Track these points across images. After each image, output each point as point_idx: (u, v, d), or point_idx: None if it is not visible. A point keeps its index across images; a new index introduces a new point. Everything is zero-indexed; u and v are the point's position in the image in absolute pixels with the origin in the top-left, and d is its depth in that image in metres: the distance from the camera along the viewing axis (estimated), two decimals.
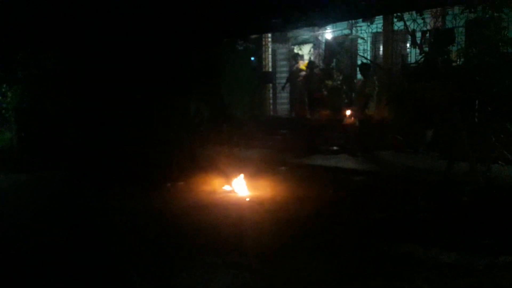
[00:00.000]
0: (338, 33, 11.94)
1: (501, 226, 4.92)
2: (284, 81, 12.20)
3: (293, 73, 11.49)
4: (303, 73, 10.87)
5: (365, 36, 11.26)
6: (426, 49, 6.79)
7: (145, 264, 4.37)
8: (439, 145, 8.14)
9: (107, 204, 6.54)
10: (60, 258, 4.57)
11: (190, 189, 7.14)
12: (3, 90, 9.20)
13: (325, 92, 10.45)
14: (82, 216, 6.01)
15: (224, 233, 5.15)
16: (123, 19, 7.65)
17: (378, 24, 10.87)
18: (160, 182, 7.29)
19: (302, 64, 11.27)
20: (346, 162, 8.71)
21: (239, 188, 6.89)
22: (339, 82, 10.57)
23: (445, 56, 6.57)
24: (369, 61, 9.81)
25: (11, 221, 5.91)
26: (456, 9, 7.88)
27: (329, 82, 10.46)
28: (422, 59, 6.75)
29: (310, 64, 10.78)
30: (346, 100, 10.48)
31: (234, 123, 9.83)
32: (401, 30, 9.17)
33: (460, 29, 8.01)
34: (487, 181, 5.87)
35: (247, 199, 6.60)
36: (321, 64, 11.44)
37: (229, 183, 7.02)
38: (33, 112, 8.95)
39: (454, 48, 7.26)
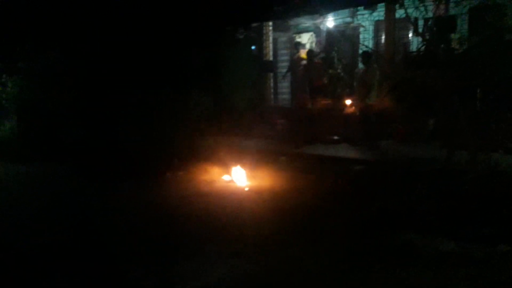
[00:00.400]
0: (340, 21, 11.84)
1: (501, 215, 4.89)
2: (285, 70, 12.13)
3: (294, 62, 11.42)
4: (304, 62, 10.79)
5: (367, 24, 11.16)
6: (428, 37, 6.72)
7: (145, 254, 4.40)
8: (440, 134, 8.09)
9: (107, 194, 6.57)
10: (60, 250, 4.59)
11: (190, 179, 7.15)
12: (3, 80, 9.17)
13: (326, 81, 10.38)
14: (82, 207, 6.03)
15: (223, 222, 5.16)
16: (124, 10, 7.60)
17: (380, 12, 10.76)
18: (160, 172, 7.30)
19: (303, 53, 11.19)
20: (346, 151, 8.67)
21: (238, 177, 6.89)
22: (339, 71, 10.50)
23: (447, 44, 6.50)
24: (370, 50, 9.71)
25: (8, 213, 5.92)
26: None
27: (330, 71, 10.38)
28: (423, 47, 6.68)
29: (310, 53, 10.69)
30: (347, 89, 10.40)
31: (234, 113, 9.80)
32: (403, 18, 9.08)
33: (463, 16, 7.92)
34: (487, 170, 5.83)
35: (246, 189, 6.60)
36: (322, 53, 11.34)
37: (228, 173, 7.02)
38: (33, 104, 8.93)
39: (456, 36, 7.18)
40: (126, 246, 4.59)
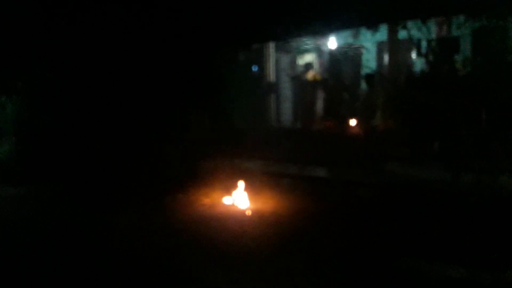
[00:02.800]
0: (342, 42, 11.87)
1: (508, 239, 4.78)
2: (287, 91, 12.13)
3: (301, 83, 11.43)
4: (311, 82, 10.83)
5: (369, 45, 11.18)
6: (431, 58, 6.70)
7: (142, 282, 4.26)
8: (445, 156, 8.01)
9: (105, 218, 6.44)
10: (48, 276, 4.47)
11: (190, 202, 7.03)
12: (2, 101, 9.16)
13: (330, 102, 10.37)
14: (77, 231, 5.90)
15: (224, 248, 5.03)
16: (121, 29, 7.62)
17: (383, 33, 10.79)
18: (159, 195, 7.19)
19: (312, 74, 11.21)
20: (350, 174, 8.56)
21: (239, 200, 6.77)
22: (343, 92, 10.48)
23: (450, 65, 6.48)
24: (372, 71, 9.73)
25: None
26: (462, 18, 7.79)
27: (333, 92, 10.38)
28: (427, 68, 6.66)
29: (320, 75, 10.76)
30: (350, 110, 10.36)
31: (236, 134, 9.74)
32: (407, 39, 9.09)
33: (466, 37, 7.91)
34: (494, 192, 5.74)
35: (248, 212, 6.48)
36: (324, 74, 11.36)
37: (229, 195, 6.90)
38: (33, 124, 8.90)
39: (460, 57, 7.16)
40: (119, 273, 4.48)
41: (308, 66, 11.73)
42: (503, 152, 5.85)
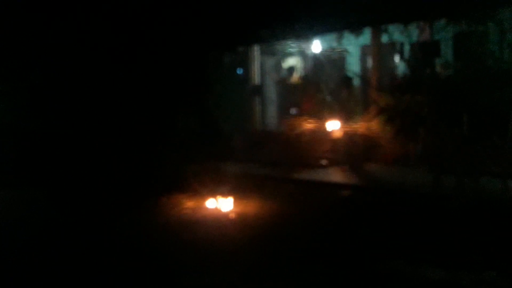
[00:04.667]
0: (326, 45, 11.93)
1: (487, 241, 4.85)
2: (272, 94, 12.15)
3: (284, 86, 11.46)
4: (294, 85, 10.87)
5: (353, 48, 11.25)
6: (413, 62, 6.77)
7: (122, 283, 4.23)
8: (427, 158, 8.09)
9: (87, 221, 6.40)
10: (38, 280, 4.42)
11: (174, 205, 7.01)
12: None
13: (313, 105, 10.40)
14: (58, 235, 5.84)
15: (207, 251, 5.02)
16: (107, 32, 7.58)
17: (366, 37, 10.86)
18: (143, 197, 7.15)
19: (295, 77, 11.26)
20: (334, 176, 8.63)
21: (223, 204, 6.76)
22: (326, 95, 10.53)
23: (431, 69, 6.55)
24: (349, 74, 9.81)
25: None
26: (443, 22, 7.89)
27: (317, 95, 10.42)
28: (409, 72, 6.73)
29: (304, 78, 10.79)
30: (333, 113, 10.40)
31: (221, 137, 9.73)
32: (390, 42, 9.18)
33: (447, 41, 8.02)
34: (474, 195, 5.81)
35: (231, 215, 6.47)
36: (308, 77, 11.42)
37: (214, 199, 6.89)
38: (16, 128, 8.79)
39: (441, 61, 7.24)
40: (102, 277, 4.44)
41: (291, 69, 11.78)
42: (483, 155, 5.93)
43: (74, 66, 8.07)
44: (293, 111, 10.64)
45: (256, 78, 12.66)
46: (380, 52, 10.07)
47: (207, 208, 6.79)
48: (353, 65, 11.03)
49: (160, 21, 7.98)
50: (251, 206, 6.83)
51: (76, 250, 5.24)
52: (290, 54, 12.69)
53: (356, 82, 9.73)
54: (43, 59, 8.32)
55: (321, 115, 9.92)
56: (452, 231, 5.22)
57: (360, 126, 9.26)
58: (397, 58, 10.07)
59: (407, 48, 7.02)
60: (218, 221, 6.24)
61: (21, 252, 5.25)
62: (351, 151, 9.13)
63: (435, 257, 4.59)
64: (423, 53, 6.61)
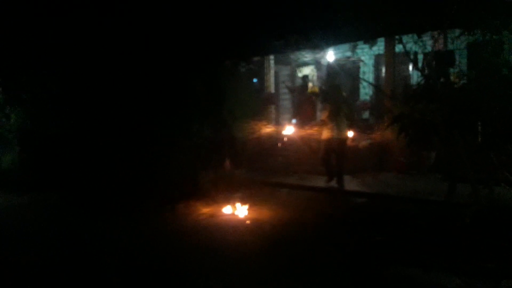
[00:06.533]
0: (340, 55, 12.01)
1: (503, 249, 4.84)
2: (286, 102, 12.25)
3: (301, 95, 11.53)
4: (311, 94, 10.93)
5: (367, 58, 11.32)
6: (427, 71, 6.79)
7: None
8: (441, 167, 8.08)
9: (105, 227, 6.51)
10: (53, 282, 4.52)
11: (190, 212, 7.11)
12: (7, 111, 9.30)
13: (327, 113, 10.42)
14: (78, 240, 5.96)
15: (223, 256, 5.10)
16: (124, 41, 7.74)
17: (380, 46, 10.93)
18: (159, 204, 7.26)
19: (311, 87, 11.33)
20: (348, 184, 8.66)
21: (239, 210, 6.85)
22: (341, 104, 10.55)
23: (445, 78, 6.57)
24: (366, 83, 9.81)
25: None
26: (457, 32, 7.92)
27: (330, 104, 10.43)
28: (423, 81, 6.74)
29: (321, 88, 10.83)
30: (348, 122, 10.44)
31: (236, 145, 9.83)
32: (403, 52, 9.20)
33: (462, 51, 8.03)
34: (489, 203, 5.80)
35: (247, 222, 6.55)
36: (323, 86, 11.49)
37: (229, 205, 6.98)
38: (35, 134, 9.01)
39: (455, 70, 7.25)
40: (118, 280, 4.53)
41: (305, 78, 11.87)
42: (498, 163, 5.91)
43: (91, 75, 8.25)
44: (307, 119, 10.69)
45: (271, 87, 12.79)
46: (394, 62, 10.13)
47: (223, 214, 6.88)
48: (367, 74, 11.08)
49: (178, 32, 8.13)
50: (266, 213, 6.90)
51: (93, 254, 5.34)
52: (305, 64, 12.80)
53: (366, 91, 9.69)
54: (56, 67, 8.52)
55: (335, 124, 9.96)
56: (467, 239, 5.21)
57: (374, 135, 9.30)
58: (411, 68, 10.11)
59: (420, 57, 7.03)
60: (235, 227, 6.32)
61: (38, 254, 5.38)
62: (366, 159, 9.15)
63: (450, 264, 4.59)
64: (437, 63, 6.63)
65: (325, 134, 8.44)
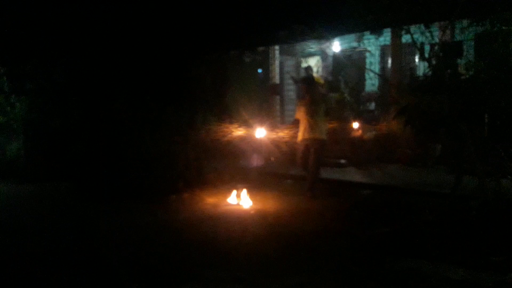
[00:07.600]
0: (346, 46, 11.93)
1: (509, 242, 4.82)
2: (291, 93, 12.19)
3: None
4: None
5: (373, 48, 11.24)
6: (434, 62, 6.72)
7: (147, 278, 4.33)
8: (447, 159, 8.05)
9: (111, 216, 6.54)
10: (55, 272, 4.53)
11: (195, 201, 7.12)
12: (12, 101, 9.31)
13: (333, 105, 10.40)
14: (84, 228, 6.00)
15: (228, 246, 5.11)
16: (130, 30, 7.71)
17: (386, 37, 10.84)
18: (165, 193, 7.28)
19: (316, 77, 11.26)
20: (353, 175, 8.64)
21: (244, 200, 6.85)
22: (346, 95, 10.53)
23: (453, 69, 6.50)
24: (372, 74, 9.73)
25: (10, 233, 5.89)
26: (465, 22, 7.83)
27: (336, 95, 10.42)
28: (430, 72, 6.68)
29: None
30: (353, 113, 10.42)
31: (240, 135, 9.79)
32: (410, 43, 9.13)
33: (470, 42, 7.95)
34: (496, 196, 5.76)
35: (252, 212, 6.55)
36: (328, 77, 11.43)
37: (234, 195, 6.98)
38: (41, 123, 9.03)
39: (463, 62, 7.18)
40: (125, 269, 4.54)
41: (308, 69, 11.78)
42: (505, 156, 5.87)
43: (95, 65, 8.24)
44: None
45: (275, 77, 12.74)
46: (400, 52, 10.06)
47: (227, 204, 6.88)
48: (373, 65, 11.01)
49: (183, 21, 8.09)
50: (271, 203, 6.90)
51: (99, 243, 5.37)
52: (311, 55, 12.72)
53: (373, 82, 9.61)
54: (62, 56, 8.51)
55: (340, 115, 9.95)
56: (473, 232, 5.19)
57: (379, 126, 9.26)
58: (417, 58, 10.03)
59: (427, 48, 6.95)
60: (239, 217, 6.32)
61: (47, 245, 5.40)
62: (371, 151, 9.12)
63: (457, 257, 4.58)
64: (444, 54, 6.55)
65: (301, 135, 7.41)
